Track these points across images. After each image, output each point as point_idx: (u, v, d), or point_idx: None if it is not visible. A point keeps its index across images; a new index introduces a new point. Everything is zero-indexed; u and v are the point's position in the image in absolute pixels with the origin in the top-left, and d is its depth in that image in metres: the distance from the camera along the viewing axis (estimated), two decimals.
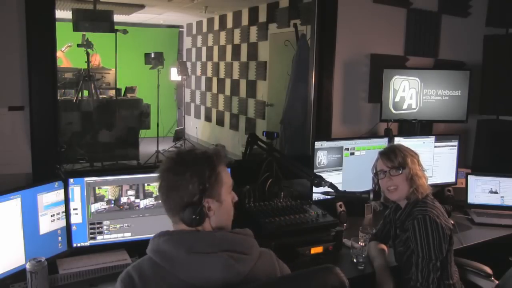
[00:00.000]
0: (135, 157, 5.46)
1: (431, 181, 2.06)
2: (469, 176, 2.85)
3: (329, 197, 2.04)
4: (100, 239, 1.92)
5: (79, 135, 4.97)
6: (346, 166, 2.55)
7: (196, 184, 1.21)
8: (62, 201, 1.84)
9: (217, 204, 1.25)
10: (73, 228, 1.87)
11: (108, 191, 1.91)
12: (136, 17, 7.29)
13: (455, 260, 1.97)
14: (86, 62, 5.13)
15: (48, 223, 1.79)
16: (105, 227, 1.92)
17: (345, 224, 2.40)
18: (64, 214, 1.85)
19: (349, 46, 2.95)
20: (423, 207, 1.83)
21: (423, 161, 1.98)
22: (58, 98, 2.89)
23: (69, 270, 1.76)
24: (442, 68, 3.23)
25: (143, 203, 1.97)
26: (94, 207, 1.90)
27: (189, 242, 1.18)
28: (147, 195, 1.97)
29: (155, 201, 1.98)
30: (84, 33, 4.99)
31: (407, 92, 3.02)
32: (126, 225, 1.95)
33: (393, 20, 3.14)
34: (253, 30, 6.25)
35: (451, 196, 2.88)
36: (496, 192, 2.81)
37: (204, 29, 8.05)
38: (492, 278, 2.07)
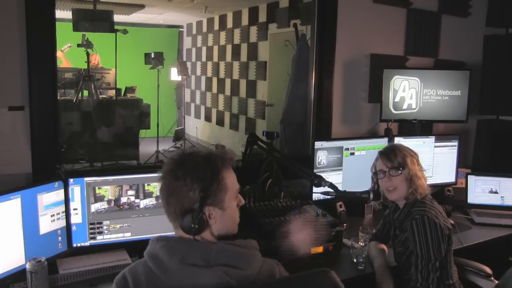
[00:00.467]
0: (135, 157, 5.46)
1: (431, 181, 2.07)
2: (469, 176, 2.85)
3: (329, 197, 2.04)
4: (100, 239, 1.92)
5: (79, 135, 4.97)
6: (346, 166, 2.55)
7: (197, 191, 1.15)
8: (62, 201, 1.84)
9: (219, 211, 1.19)
10: (73, 228, 1.87)
11: (108, 191, 1.91)
12: (136, 17, 7.29)
13: (455, 260, 1.97)
14: (86, 62, 5.14)
15: (48, 223, 1.79)
16: (105, 227, 1.92)
17: (345, 224, 2.40)
18: (64, 214, 1.85)
19: (349, 46, 2.95)
20: (421, 207, 1.83)
21: (423, 161, 1.98)
22: (58, 98, 2.89)
23: (69, 270, 1.76)
24: (442, 68, 3.23)
25: (143, 203, 1.97)
26: (94, 207, 1.90)
27: (184, 252, 1.13)
28: (147, 195, 1.97)
29: (155, 201, 1.98)
30: (84, 33, 4.99)
31: (407, 92, 3.02)
32: (126, 225, 1.95)
33: (393, 20, 3.14)
34: (253, 30, 6.25)
35: (451, 196, 2.88)
36: (496, 192, 2.81)
37: (204, 29, 8.05)
38: (492, 278, 2.07)
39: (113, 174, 1.94)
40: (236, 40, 6.75)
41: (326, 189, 2.00)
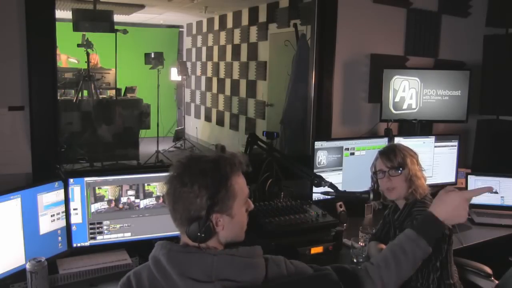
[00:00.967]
0: (135, 157, 5.46)
1: (431, 181, 2.06)
2: (469, 176, 2.85)
3: (329, 197, 2.03)
4: (100, 239, 1.92)
5: (79, 135, 4.97)
6: (346, 166, 2.55)
7: (204, 198, 1.11)
8: (62, 201, 1.84)
9: (227, 218, 1.15)
10: (73, 228, 1.87)
11: (108, 191, 1.91)
12: (136, 17, 7.29)
13: (455, 260, 1.97)
14: (86, 62, 5.14)
15: (48, 223, 1.79)
16: (105, 227, 1.92)
17: (345, 224, 2.40)
18: (64, 214, 1.85)
19: (349, 46, 2.95)
20: (422, 208, 1.82)
21: (423, 161, 1.98)
22: (58, 98, 2.89)
23: (69, 270, 1.76)
24: (442, 68, 3.23)
25: (143, 203, 1.97)
26: (94, 207, 1.90)
27: (184, 265, 1.10)
28: (147, 195, 1.97)
29: (155, 201, 1.98)
30: (84, 33, 4.99)
31: (407, 92, 3.02)
32: (126, 225, 1.95)
33: (393, 20, 3.14)
34: (253, 30, 6.25)
35: None
36: (496, 192, 2.81)
37: (204, 29, 8.05)
38: (492, 278, 2.07)
39: (113, 174, 1.94)
40: (236, 40, 6.75)
41: (326, 189, 2.00)
